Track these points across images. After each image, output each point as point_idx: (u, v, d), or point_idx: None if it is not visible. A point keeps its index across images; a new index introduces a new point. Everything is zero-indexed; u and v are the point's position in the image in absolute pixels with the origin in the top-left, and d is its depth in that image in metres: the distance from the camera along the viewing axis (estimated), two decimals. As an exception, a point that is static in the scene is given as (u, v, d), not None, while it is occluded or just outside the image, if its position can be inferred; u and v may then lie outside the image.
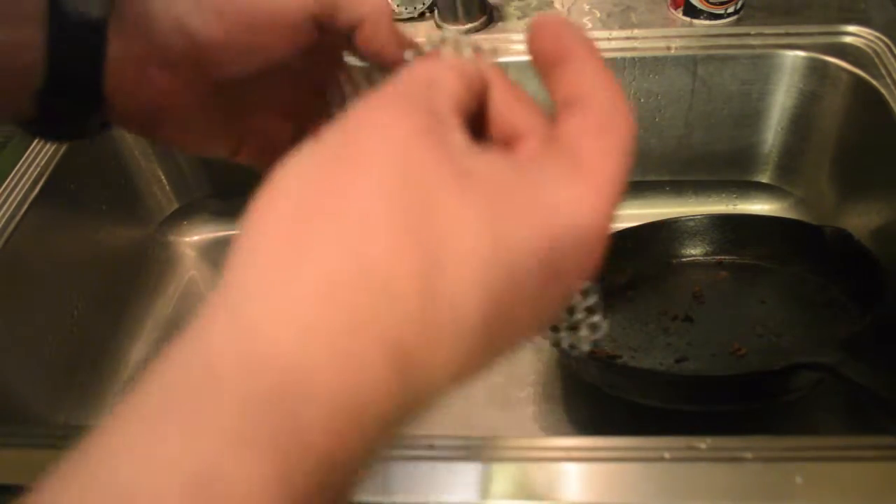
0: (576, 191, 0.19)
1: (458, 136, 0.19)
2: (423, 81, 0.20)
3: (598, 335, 0.26)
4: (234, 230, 0.79)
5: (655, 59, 0.65)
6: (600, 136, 0.20)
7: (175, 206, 0.78)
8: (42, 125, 0.29)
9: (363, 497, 0.39)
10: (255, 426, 0.14)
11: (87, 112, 0.28)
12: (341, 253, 0.16)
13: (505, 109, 0.22)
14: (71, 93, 0.27)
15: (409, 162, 0.17)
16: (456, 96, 0.20)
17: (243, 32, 0.27)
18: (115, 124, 0.30)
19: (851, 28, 0.64)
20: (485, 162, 0.18)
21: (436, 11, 0.70)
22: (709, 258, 0.63)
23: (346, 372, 0.15)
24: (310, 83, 0.32)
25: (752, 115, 0.68)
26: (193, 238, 0.79)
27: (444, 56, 0.23)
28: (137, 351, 0.69)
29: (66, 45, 0.26)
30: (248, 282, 0.16)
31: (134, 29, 0.27)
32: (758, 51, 0.64)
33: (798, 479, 0.37)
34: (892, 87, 0.58)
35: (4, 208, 0.59)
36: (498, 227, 0.17)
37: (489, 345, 0.18)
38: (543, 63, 0.22)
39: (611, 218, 0.19)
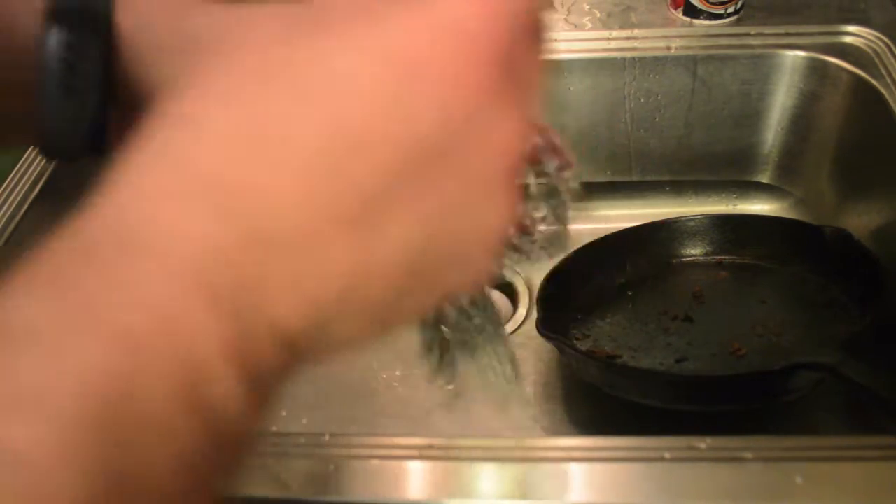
0: None
1: None
2: None
3: (557, 247, 0.25)
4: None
5: (655, 59, 0.65)
6: None
7: (175, 206, 0.78)
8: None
9: (361, 498, 0.39)
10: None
11: (94, 140, 0.23)
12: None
13: None
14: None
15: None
16: None
17: None
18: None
19: (851, 28, 0.64)
20: None
21: (436, 11, 0.70)
22: (709, 258, 0.64)
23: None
24: None
25: (752, 115, 0.68)
26: (193, 238, 0.79)
27: None
28: (137, 351, 0.69)
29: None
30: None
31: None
32: (758, 51, 0.64)
33: (798, 479, 0.37)
34: (892, 87, 0.58)
35: (4, 208, 0.59)
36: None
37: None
38: None
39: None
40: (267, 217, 0.15)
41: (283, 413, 0.62)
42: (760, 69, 0.65)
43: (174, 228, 0.15)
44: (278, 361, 0.15)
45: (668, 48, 0.65)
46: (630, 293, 0.62)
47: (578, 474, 0.39)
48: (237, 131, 0.15)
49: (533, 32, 0.18)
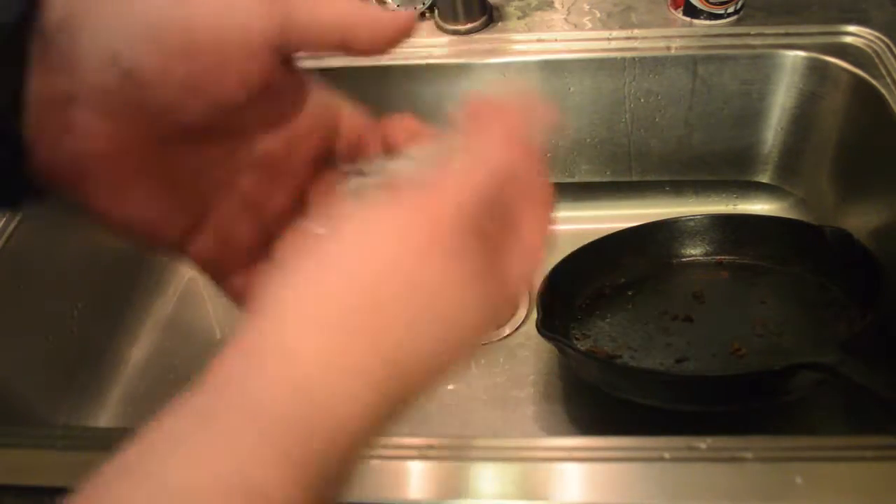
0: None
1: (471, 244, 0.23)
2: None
3: None
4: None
5: (655, 59, 0.65)
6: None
7: (175, 206, 0.78)
8: None
9: (362, 498, 0.39)
10: (281, 444, 0.19)
11: (8, 167, 0.23)
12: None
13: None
14: None
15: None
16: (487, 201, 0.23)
17: (183, 61, 0.23)
18: (41, 186, 0.24)
19: (851, 28, 0.64)
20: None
21: (436, 11, 0.70)
22: (709, 258, 0.64)
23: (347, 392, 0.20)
24: (275, 167, 0.27)
25: (752, 115, 0.68)
26: (193, 238, 0.79)
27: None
28: (137, 351, 0.69)
29: None
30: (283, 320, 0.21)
31: (57, 58, 0.22)
32: (758, 51, 0.64)
33: (798, 479, 0.37)
34: (892, 87, 0.58)
35: (4, 208, 0.59)
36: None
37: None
38: None
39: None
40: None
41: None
42: (760, 69, 0.65)
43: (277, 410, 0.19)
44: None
45: (668, 48, 0.65)
46: (630, 293, 0.62)
47: (578, 474, 0.39)
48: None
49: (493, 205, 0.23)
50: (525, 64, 0.67)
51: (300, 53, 0.25)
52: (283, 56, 0.24)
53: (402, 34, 0.25)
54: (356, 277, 0.21)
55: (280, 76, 0.25)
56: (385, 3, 0.71)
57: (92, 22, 0.22)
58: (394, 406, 0.21)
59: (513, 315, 0.22)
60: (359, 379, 0.20)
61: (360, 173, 0.26)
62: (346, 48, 0.25)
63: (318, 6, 0.24)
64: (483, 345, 0.27)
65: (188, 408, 0.19)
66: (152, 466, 0.18)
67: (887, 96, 0.58)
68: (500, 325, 0.23)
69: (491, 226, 0.23)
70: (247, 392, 0.19)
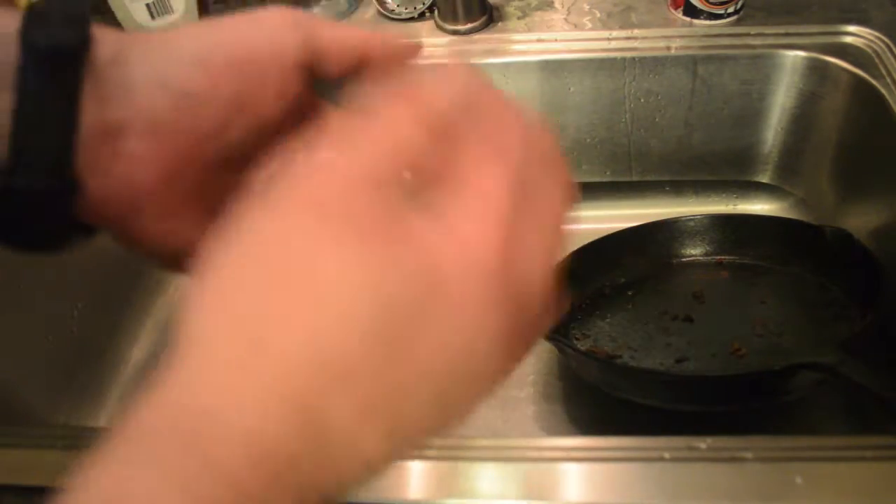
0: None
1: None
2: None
3: None
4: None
5: (655, 59, 0.65)
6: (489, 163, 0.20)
7: (175, 206, 0.78)
8: (7, 224, 0.24)
9: (362, 498, 0.39)
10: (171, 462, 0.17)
11: (57, 201, 0.23)
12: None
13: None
14: (37, 166, 0.22)
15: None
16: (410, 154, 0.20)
17: (229, 81, 0.24)
18: (88, 218, 0.25)
19: (851, 28, 0.64)
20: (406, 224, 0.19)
21: (436, 11, 0.70)
22: (709, 258, 0.64)
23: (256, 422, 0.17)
24: None
25: (752, 115, 0.68)
26: (193, 238, 0.79)
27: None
28: (137, 351, 0.69)
29: (34, 93, 0.22)
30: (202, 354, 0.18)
31: (109, 90, 0.23)
32: (758, 51, 0.64)
33: (798, 479, 0.37)
34: (892, 87, 0.58)
35: (4, 208, 0.59)
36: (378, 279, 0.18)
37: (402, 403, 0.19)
38: None
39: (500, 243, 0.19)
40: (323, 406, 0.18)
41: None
42: (760, 69, 0.65)
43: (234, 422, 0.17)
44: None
45: (668, 48, 0.65)
46: (630, 293, 0.62)
47: (578, 474, 0.39)
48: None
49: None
50: (525, 64, 0.67)
51: (322, 72, 0.26)
52: (307, 75, 0.26)
53: (411, 56, 0.29)
54: (278, 323, 0.18)
55: (307, 96, 0.26)
56: (385, 3, 0.71)
57: (141, 53, 0.24)
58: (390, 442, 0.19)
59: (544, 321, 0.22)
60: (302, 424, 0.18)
61: None
62: (363, 65, 0.27)
63: (337, 29, 0.26)
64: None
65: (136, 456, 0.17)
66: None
67: (887, 96, 0.58)
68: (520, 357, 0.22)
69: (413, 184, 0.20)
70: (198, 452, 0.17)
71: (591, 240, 0.64)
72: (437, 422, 0.20)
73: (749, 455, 0.39)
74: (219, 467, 0.17)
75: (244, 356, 0.18)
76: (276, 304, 0.18)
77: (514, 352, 0.21)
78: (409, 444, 0.20)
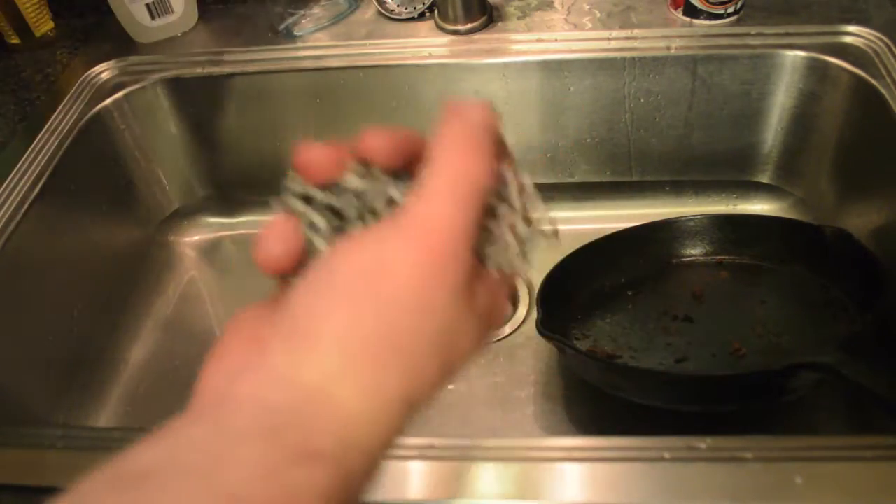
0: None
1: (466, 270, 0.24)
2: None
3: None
4: (233, 230, 0.79)
5: (655, 59, 0.65)
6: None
7: (175, 206, 0.78)
8: None
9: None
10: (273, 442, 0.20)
11: None
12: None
13: None
14: None
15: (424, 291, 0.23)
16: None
17: None
18: None
19: (851, 28, 0.64)
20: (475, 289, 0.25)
21: (436, 11, 0.70)
22: (709, 258, 0.64)
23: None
24: None
25: (752, 115, 0.68)
26: (193, 238, 0.79)
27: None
28: (137, 351, 0.69)
29: None
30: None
31: None
32: (758, 51, 0.64)
33: (798, 479, 0.37)
34: (892, 87, 0.58)
35: (4, 208, 0.59)
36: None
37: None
38: None
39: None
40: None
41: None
42: (760, 69, 0.65)
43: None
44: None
45: (668, 48, 0.65)
46: (630, 293, 0.62)
47: (578, 474, 0.39)
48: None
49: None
50: (525, 64, 0.67)
51: None
52: None
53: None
54: (376, 311, 0.22)
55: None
56: (385, 3, 0.71)
57: None
58: (404, 426, 0.23)
59: (500, 325, 0.24)
60: (388, 413, 0.22)
61: (308, 200, 0.25)
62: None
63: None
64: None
65: (227, 439, 0.20)
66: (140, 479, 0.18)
67: (887, 96, 0.58)
68: (489, 340, 0.24)
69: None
70: (288, 428, 0.20)
71: (591, 240, 0.64)
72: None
73: (749, 455, 0.39)
74: (322, 444, 0.20)
75: (355, 351, 0.22)
76: (387, 313, 0.22)
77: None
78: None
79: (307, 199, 0.25)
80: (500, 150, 0.25)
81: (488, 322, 0.25)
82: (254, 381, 0.21)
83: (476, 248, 0.24)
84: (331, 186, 0.25)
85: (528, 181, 0.26)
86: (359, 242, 0.23)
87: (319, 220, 0.25)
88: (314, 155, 0.25)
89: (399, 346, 0.22)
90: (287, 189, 0.26)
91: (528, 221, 0.26)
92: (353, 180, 0.25)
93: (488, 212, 0.25)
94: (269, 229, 0.25)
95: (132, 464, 0.19)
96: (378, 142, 0.25)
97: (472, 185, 0.23)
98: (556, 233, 0.27)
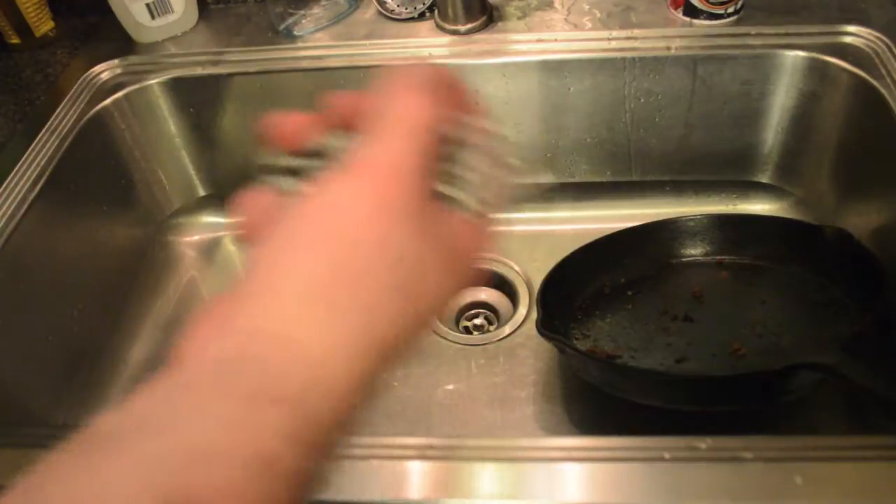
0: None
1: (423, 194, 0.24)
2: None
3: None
4: (234, 230, 0.79)
5: (655, 59, 0.65)
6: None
7: (175, 206, 0.78)
8: None
9: (362, 497, 0.39)
10: (289, 423, 0.20)
11: None
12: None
13: None
14: None
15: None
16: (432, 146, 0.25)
17: None
18: None
19: (851, 28, 0.64)
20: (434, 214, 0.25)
21: (436, 11, 0.70)
22: (709, 258, 0.64)
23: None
24: None
25: (752, 115, 0.68)
26: (193, 238, 0.79)
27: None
28: (137, 351, 0.69)
29: None
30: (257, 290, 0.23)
31: None
32: (758, 51, 0.64)
33: (798, 479, 0.37)
34: (892, 87, 0.58)
35: (4, 208, 0.59)
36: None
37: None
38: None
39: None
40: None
41: (283, 413, 0.62)
42: (760, 69, 0.65)
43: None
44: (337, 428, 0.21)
45: (668, 48, 0.65)
46: (630, 293, 0.62)
47: (578, 474, 0.39)
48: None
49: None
50: (525, 64, 0.67)
51: None
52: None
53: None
54: (329, 252, 0.22)
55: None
56: (385, 3, 0.71)
57: None
58: (375, 370, 0.22)
59: (473, 277, 0.27)
60: (351, 351, 0.22)
61: (283, 167, 0.27)
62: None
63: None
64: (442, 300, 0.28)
65: (186, 385, 0.20)
66: (153, 431, 0.19)
67: (887, 96, 0.58)
68: (463, 285, 0.26)
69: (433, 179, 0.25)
70: (247, 375, 0.20)
71: (590, 240, 0.65)
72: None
73: (749, 455, 0.39)
74: (283, 387, 0.20)
75: (312, 294, 0.22)
76: (342, 251, 0.22)
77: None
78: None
79: (279, 169, 0.27)
80: (455, 98, 0.26)
81: (460, 262, 0.25)
82: (216, 341, 0.22)
83: (436, 189, 0.25)
84: (299, 152, 0.27)
85: (493, 127, 0.27)
86: (311, 191, 0.24)
87: (291, 184, 0.26)
88: (281, 124, 0.27)
89: (357, 281, 0.22)
90: (259, 164, 0.27)
91: (495, 164, 0.27)
92: (317, 141, 0.26)
93: (448, 155, 0.26)
94: (245, 200, 0.26)
95: (95, 430, 0.19)
96: (339, 103, 0.26)
97: (415, 123, 0.24)
98: (514, 169, 0.28)
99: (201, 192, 0.78)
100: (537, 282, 0.63)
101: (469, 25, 0.69)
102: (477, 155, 0.27)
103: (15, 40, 0.76)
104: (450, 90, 0.26)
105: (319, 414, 0.21)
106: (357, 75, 0.69)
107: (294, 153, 0.27)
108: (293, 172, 0.26)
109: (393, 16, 0.72)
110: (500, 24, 0.70)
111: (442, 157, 0.26)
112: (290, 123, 0.27)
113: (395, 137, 0.24)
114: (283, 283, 0.22)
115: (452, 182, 0.26)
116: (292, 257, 0.22)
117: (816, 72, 0.63)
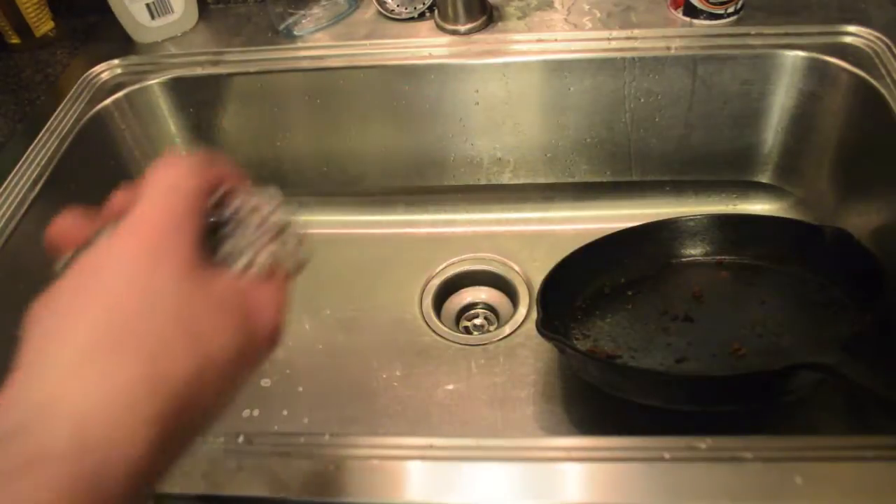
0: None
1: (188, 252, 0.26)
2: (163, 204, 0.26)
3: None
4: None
5: (655, 59, 0.65)
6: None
7: (175, 206, 0.78)
8: None
9: (362, 498, 0.39)
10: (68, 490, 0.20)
11: None
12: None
13: None
14: None
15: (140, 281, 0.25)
16: (193, 204, 0.27)
17: None
18: None
19: (851, 28, 0.64)
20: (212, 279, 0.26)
21: (436, 11, 0.70)
22: (709, 258, 0.64)
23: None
24: None
25: (752, 115, 0.68)
26: (193, 238, 0.79)
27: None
28: (137, 351, 0.69)
29: None
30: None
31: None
32: (758, 51, 0.64)
33: (798, 479, 0.37)
34: (892, 87, 0.58)
35: (4, 208, 0.59)
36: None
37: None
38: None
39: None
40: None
41: (284, 412, 0.62)
42: (760, 69, 0.65)
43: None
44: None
45: (668, 48, 0.65)
46: (630, 293, 0.62)
47: (578, 474, 0.39)
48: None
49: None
50: (525, 64, 0.67)
51: None
52: None
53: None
54: (97, 310, 0.24)
55: None
56: (385, 3, 0.71)
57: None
58: (177, 431, 0.23)
59: (274, 340, 0.29)
60: (130, 398, 0.22)
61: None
62: None
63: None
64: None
65: None
66: None
67: (887, 96, 0.58)
68: (265, 350, 0.28)
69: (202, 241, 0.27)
70: (14, 446, 0.21)
71: (590, 240, 0.65)
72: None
73: (749, 455, 0.39)
74: (50, 446, 0.21)
75: (82, 351, 0.23)
76: (111, 301, 0.24)
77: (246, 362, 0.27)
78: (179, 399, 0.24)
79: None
80: (225, 173, 0.29)
81: (251, 319, 0.27)
82: None
83: (209, 248, 0.28)
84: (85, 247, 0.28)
85: (269, 195, 0.30)
86: (86, 252, 0.26)
87: None
88: (62, 227, 0.29)
89: (128, 331, 0.23)
90: (56, 270, 0.29)
91: (274, 231, 0.30)
92: (98, 233, 0.28)
93: (224, 221, 0.29)
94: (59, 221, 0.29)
95: None
96: (119, 198, 0.29)
97: (172, 184, 0.27)
98: (301, 239, 0.31)
99: (201, 192, 0.78)
100: (537, 282, 0.63)
101: (469, 25, 0.69)
102: (255, 222, 0.29)
103: (15, 40, 0.76)
104: (218, 167, 0.29)
105: (104, 465, 0.21)
106: (357, 75, 0.69)
107: (80, 249, 0.28)
108: None
109: (393, 16, 0.72)
110: (500, 24, 0.70)
111: (216, 222, 0.29)
112: (70, 225, 0.29)
113: (153, 197, 0.26)
114: (54, 348, 0.23)
115: (232, 246, 0.29)
116: (60, 321, 0.24)
117: (816, 72, 0.63)
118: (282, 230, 0.30)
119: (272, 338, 0.28)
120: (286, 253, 0.30)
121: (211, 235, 0.29)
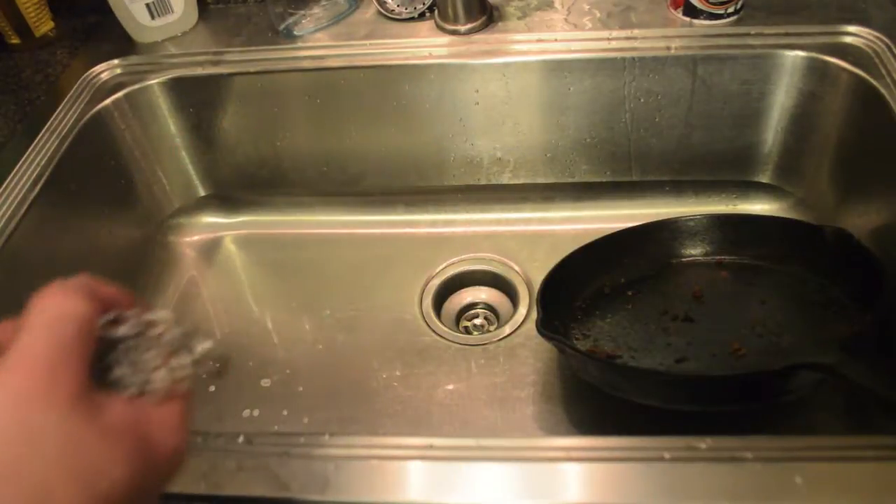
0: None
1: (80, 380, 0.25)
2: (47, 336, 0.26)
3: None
4: (233, 230, 0.79)
5: (655, 59, 0.65)
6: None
7: (175, 206, 0.78)
8: None
9: (362, 498, 0.39)
10: None
11: None
12: None
13: None
14: None
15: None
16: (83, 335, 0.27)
17: None
18: None
19: (851, 28, 0.64)
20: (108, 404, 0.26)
21: (436, 11, 0.70)
22: (709, 258, 0.64)
23: None
24: None
25: (752, 115, 0.68)
26: (193, 238, 0.79)
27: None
28: (137, 351, 0.69)
29: None
30: None
31: None
32: (758, 51, 0.64)
33: (798, 479, 0.37)
34: (892, 87, 0.58)
35: (4, 208, 0.59)
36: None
37: None
38: None
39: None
40: None
41: (284, 412, 0.62)
42: (760, 69, 0.65)
43: None
44: None
45: (668, 48, 0.65)
46: (630, 293, 0.62)
47: (578, 474, 0.39)
48: None
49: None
50: (525, 64, 0.67)
51: None
52: None
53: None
54: None
55: None
56: (385, 3, 0.71)
57: None
58: None
59: (176, 461, 0.29)
60: None
61: None
62: None
63: None
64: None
65: None
66: None
67: (887, 96, 0.58)
68: (166, 472, 0.28)
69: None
70: None
71: (591, 240, 0.65)
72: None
73: (749, 455, 0.39)
74: None
75: None
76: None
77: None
78: None
79: None
80: (115, 296, 0.31)
81: (148, 442, 0.26)
82: None
83: (102, 372, 0.28)
84: None
85: (162, 317, 0.30)
86: None
87: None
88: None
89: (7, 476, 0.23)
90: None
91: (168, 351, 0.30)
92: None
93: (115, 345, 0.29)
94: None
95: None
96: (5, 332, 0.28)
97: (56, 313, 0.27)
98: (197, 362, 0.30)
99: (201, 193, 0.78)
100: (537, 282, 0.63)
101: (469, 25, 0.69)
102: (148, 343, 0.29)
103: (15, 40, 0.76)
104: (107, 289, 0.30)
105: None
106: (357, 75, 0.69)
107: None
108: None
109: (393, 16, 0.72)
110: (500, 24, 0.70)
111: (108, 344, 0.28)
112: None
113: (36, 330, 0.26)
114: None
115: (126, 369, 0.28)
116: None
117: (816, 72, 0.63)
118: (179, 347, 0.30)
119: (173, 459, 0.28)
120: (184, 370, 0.30)
121: (103, 359, 0.28)
